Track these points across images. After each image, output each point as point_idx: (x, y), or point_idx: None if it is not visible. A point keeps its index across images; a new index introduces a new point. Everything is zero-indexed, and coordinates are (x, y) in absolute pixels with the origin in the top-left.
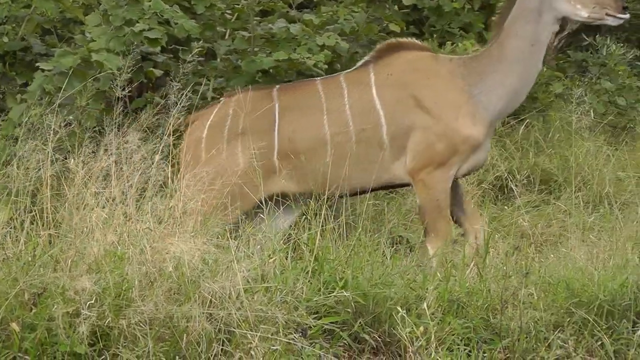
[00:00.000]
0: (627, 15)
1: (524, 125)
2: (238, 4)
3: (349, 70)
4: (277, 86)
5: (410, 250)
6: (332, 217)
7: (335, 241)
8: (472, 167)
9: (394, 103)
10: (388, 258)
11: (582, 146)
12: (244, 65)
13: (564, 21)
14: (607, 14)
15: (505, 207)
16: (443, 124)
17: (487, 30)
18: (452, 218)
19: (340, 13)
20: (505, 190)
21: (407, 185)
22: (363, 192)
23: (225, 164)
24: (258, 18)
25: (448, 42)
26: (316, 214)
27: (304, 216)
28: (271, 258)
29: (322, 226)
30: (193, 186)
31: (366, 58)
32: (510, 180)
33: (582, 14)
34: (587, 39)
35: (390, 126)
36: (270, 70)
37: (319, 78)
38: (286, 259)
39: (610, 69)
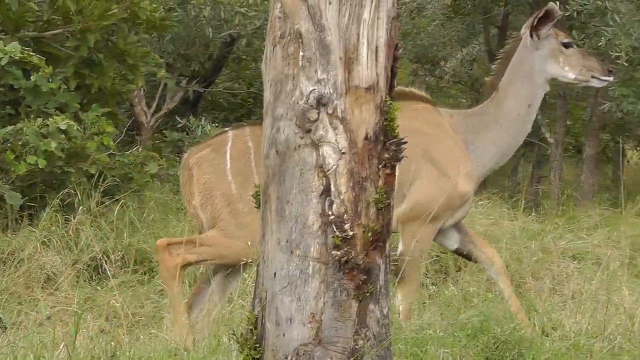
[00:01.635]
0: (612, 78)
1: (119, 205)
2: None
3: None
4: None
5: (3, 330)
6: None
7: None
8: (456, 220)
9: (407, 152)
10: None
11: (178, 226)
12: None
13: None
14: (592, 77)
15: (99, 288)
16: (446, 178)
17: (84, 111)
18: (463, 253)
19: None
20: (100, 270)
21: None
22: None
23: None
24: None
25: (39, 119)
26: None
27: None
28: None
29: None
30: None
31: None
32: (105, 261)
33: (570, 75)
34: (181, 120)
35: (401, 174)
36: None
37: None
38: None
39: None
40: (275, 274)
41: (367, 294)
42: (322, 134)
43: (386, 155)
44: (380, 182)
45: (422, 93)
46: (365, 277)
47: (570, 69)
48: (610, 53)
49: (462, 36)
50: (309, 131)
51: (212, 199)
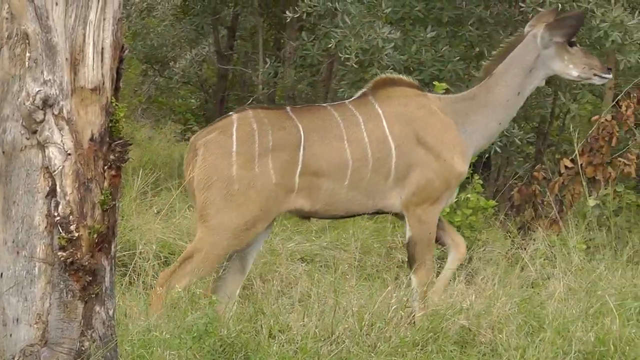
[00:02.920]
0: (611, 75)
1: None
2: None
3: (352, 99)
4: (287, 107)
5: None
6: None
7: None
8: (451, 201)
9: (402, 137)
10: None
11: None
12: None
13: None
14: (594, 74)
15: None
16: (441, 161)
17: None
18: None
19: None
20: None
21: (389, 213)
22: (353, 215)
23: (258, 180)
24: None
25: None
26: None
27: None
28: None
29: None
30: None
31: (363, 90)
32: None
33: (573, 73)
34: None
35: (398, 158)
36: None
37: (326, 104)
38: None
39: None
40: (2, 274)
41: (93, 295)
42: (48, 135)
43: (112, 157)
44: (106, 184)
45: (410, 80)
46: (90, 278)
47: (574, 66)
48: (340, 55)
49: (191, 37)
50: (35, 132)
51: (211, 181)
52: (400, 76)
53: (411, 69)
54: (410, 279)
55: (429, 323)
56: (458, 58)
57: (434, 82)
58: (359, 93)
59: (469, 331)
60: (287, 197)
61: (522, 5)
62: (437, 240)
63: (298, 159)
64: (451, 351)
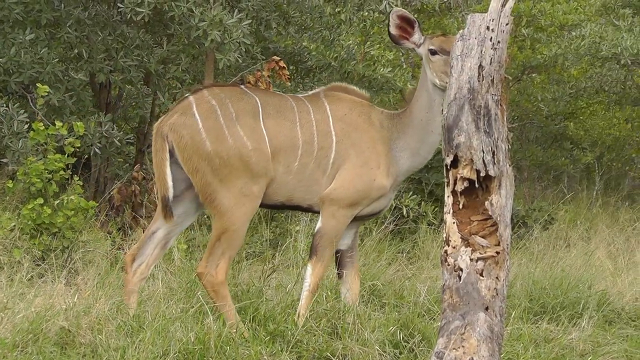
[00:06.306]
0: None
1: None
2: None
3: (305, 95)
4: (241, 85)
5: None
6: None
7: None
8: (372, 211)
9: (341, 135)
10: None
11: None
12: None
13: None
14: (447, 82)
15: None
16: (367, 168)
17: None
18: (341, 259)
19: None
20: None
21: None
22: (291, 207)
23: (234, 150)
24: None
25: None
26: None
27: None
28: None
29: None
30: None
31: (317, 90)
32: None
33: (437, 82)
34: None
35: (336, 154)
36: None
37: (278, 92)
38: None
39: None
40: None
41: None
42: None
43: None
44: None
45: (363, 92)
46: None
47: (435, 75)
48: None
49: None
50: None
51: (194, 164)
52: (354, 87)
53: (11, 71)
54: (306, 267)
55: (28, 324)
56: (57, 60)
57: (36, 84)
58: (312, 92)
59: (68, 332)
60: (267, 162)
61: (121, 6)
62: (339, 266)
63: (261, 127)
64: (51, 352)
